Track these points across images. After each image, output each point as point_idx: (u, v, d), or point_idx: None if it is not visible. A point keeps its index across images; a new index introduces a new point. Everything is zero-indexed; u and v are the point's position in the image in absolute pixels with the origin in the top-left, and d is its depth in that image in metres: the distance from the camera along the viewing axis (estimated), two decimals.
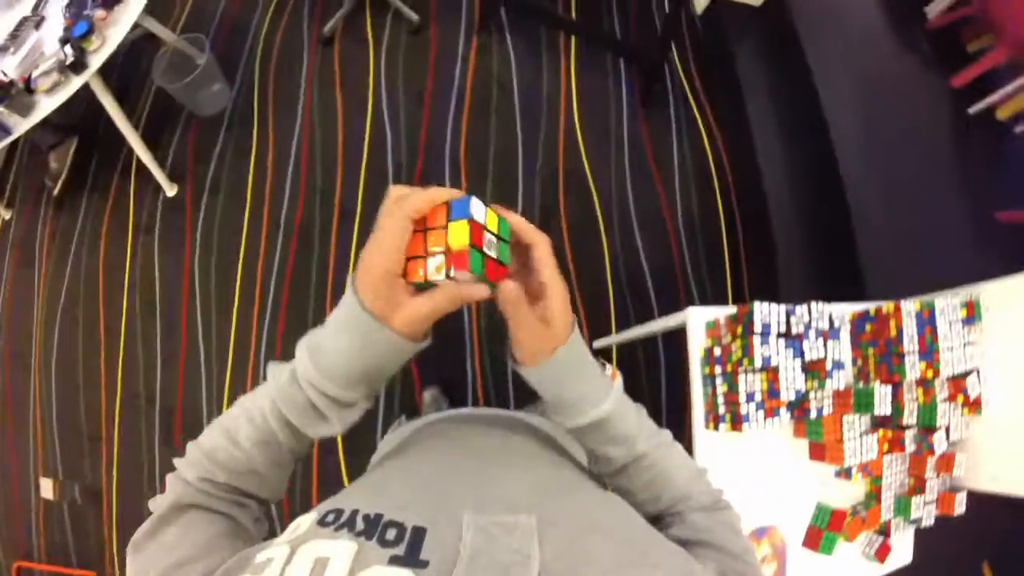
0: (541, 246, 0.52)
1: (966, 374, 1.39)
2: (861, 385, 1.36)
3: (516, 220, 0.53)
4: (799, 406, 1.32)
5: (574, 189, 2.49)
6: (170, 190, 2.64)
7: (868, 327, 1.46)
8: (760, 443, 1.33)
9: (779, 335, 1.32)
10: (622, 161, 2.56)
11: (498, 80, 2.61)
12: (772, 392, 1.28)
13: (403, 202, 0.48)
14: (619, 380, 0.61)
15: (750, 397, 1.28)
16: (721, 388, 1.33)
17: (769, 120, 2.75)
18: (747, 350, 1.28)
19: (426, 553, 0.38)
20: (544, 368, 0.54)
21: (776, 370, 1.28)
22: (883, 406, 1.32)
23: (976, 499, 1.43)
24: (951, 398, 1.37)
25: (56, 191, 2.83)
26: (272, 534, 0.48)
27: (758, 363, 1.25)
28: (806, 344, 1.31)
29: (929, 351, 1.35)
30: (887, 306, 1.43)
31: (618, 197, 2.49)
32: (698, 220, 2.53)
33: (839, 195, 2.62)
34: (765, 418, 1.28)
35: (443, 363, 2.31)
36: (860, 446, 1.32)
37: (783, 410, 1.29)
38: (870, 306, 1.49)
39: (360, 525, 0.39)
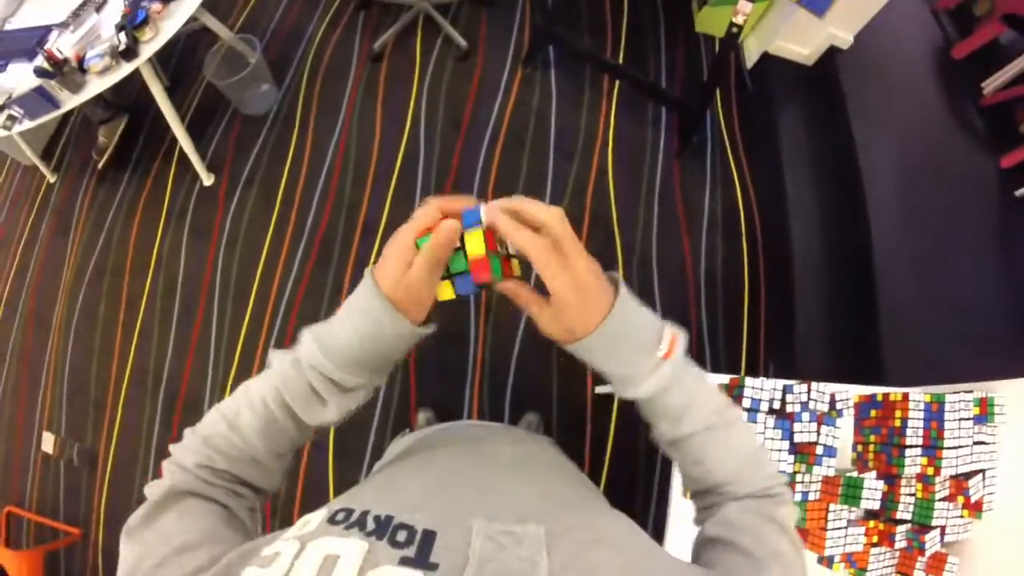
0: (555, 222, 0.51)
1: (970, 475, 1.33)
2: (856, 473, 1.31)
3: (522, 204, 0.52)
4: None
5: (598, 232, 2.48)
6: (207, 180, 2.70)
7: (873, 413, 1.40)
8: None
9: (770, 411, 1.28)
10: (651, 209, 2.54)
11: (537, 113, 2.62)
12: None
13: (438, 199, 0.53)
14: (676, 356, 0.55)
15: None
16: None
17: (805, 182, 2.71)
18: None
19: (436, 556, 0.38)
20: (581, 346, 0.54)
21: None
22: (871, 501, 1.26)
23: None
24: (951, 498, 1.31)
25: (101, 164, 2.93)
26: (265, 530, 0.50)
27: None
28: (797, 425, 1.26)
29: (933, 446, 1.29)
30: (895, 393, 1.37)
31: (641, 246, 2.47)
32: (720, 280, 2.49)
33: (868, 268, 2.56)
34: None
35: (442, 387, 2.30)
36: (845, 536, 1.26)
37: None
38: (878, 390, 1.43)
39: (371, 525, 0.39)
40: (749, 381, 1.27)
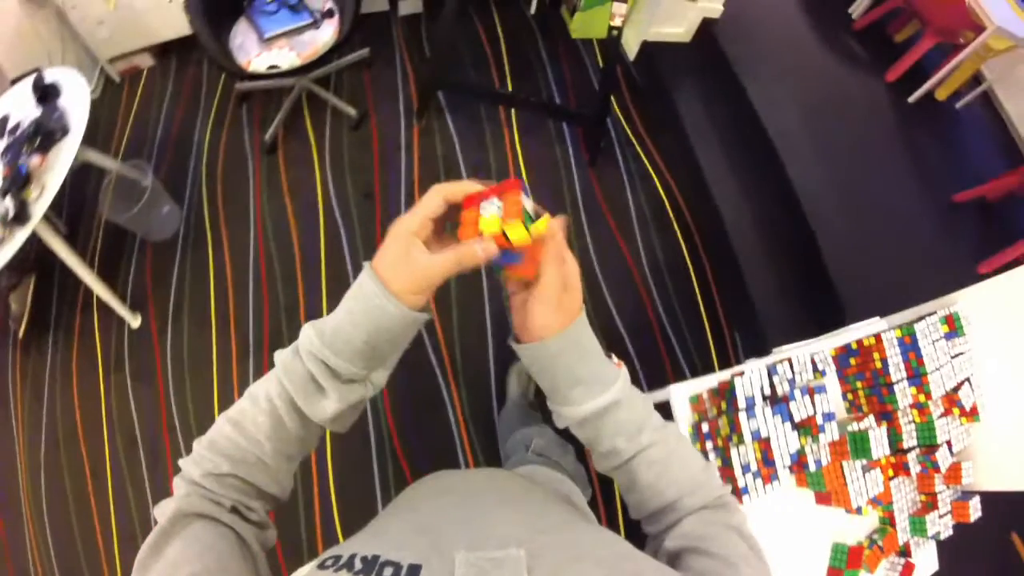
0: (554, 227, 0.54)
1: (958, 386, 1.38)
2: (855, 426, 1.32)
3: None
4: (796, 462, 1.28)
5: None
6: (134, 322, 2.54)
7: (853, 361, 1.44)
8: (764, 501, 1.29)
9: (764, 399, 1.31)
10: (579, 222, 2.52)
11: (444, 161, 2.56)
12: (767, 461, 1.26)
13: (442, 184, 0.54)
14: (624, 370, 0.59)
15: (746, 468, 1.26)
16: (715, 463, 1.29)
17: (717, 154, 2.73)
18: (734, 426, 1.26)
19: None
20: (548, 345, 0.54)
21: (768, 440, 1.25)
22: (880, 448, 1.29)
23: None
24: (947, 412, 1.36)
25: (21, 333, 2.73)
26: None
27: (748, 437, 1.24)
28: (793, 406, 1.28)
29: (917, 375, 1.34)
30: (868, 338, 1.42)
31: (582, 261, 2.44)
32: (666, 271, 2.49)
33: (799, 217, 2.58)
34: (764, 485, 1.26)
35: (434, 457, 2.23)
36: (865, 484, 1.29)
37: (781, 469, 1.26)
38: (850, 338, 1.47)
39: (359, 565, 0.40)
40: (739, 382, 1.30)
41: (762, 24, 3.09)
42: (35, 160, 2.12)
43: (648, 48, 2.86)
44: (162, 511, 0.52)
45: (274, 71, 2.30)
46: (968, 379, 1.39)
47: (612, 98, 2.76)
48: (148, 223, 2.56)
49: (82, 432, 2.56)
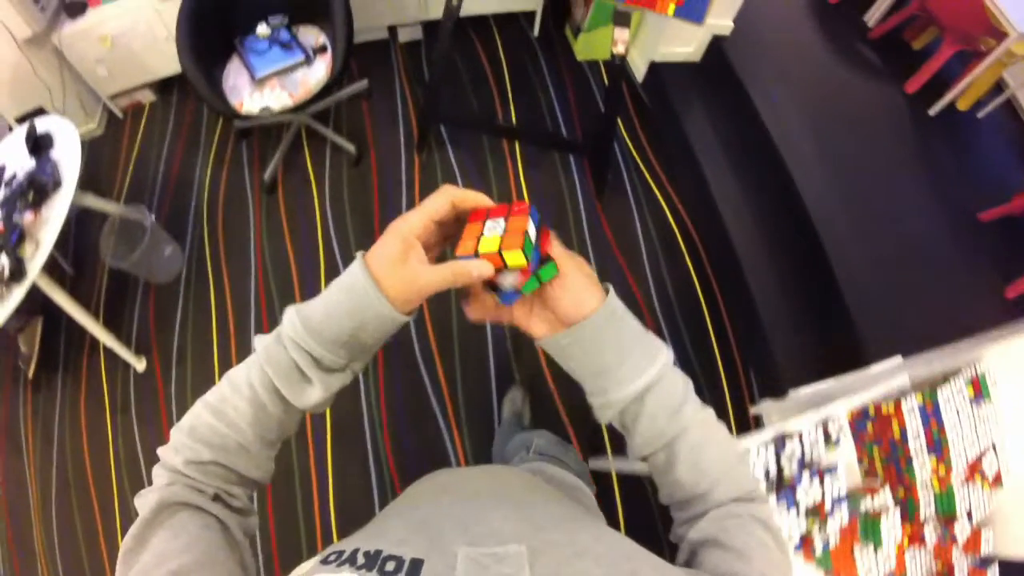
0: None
1: (982, 454, 1.26)
2: (868, 503, 1.22)
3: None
4: (801, 546, 1.18)
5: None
6: (139, 365, 2.49)
7: (869, 426, 1.32)
8: None
9: (769, 483, 1.22)
10: (586, 257, 2.39)
11: None
12: None
13: (453, 187, 0.52)
14: (669, 353, 0.56)
15: None
16: None
17: (728, 176, 2.58)
18: None
19: None
20: (591, 322, 0.52)
21: None
22: (892, 535, 1.20)
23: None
24: (969, 479, 1.25)
25: (31, 373, 2.70)
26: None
27: None
28: (800, 490, 1.20)
29: (938, 445, 1.24)
30: (886, 405, 1.31)
31: None
32: (676, 303, 2.37)
33: (813, 241, 2.43)
34: None
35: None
36: (876, 562, 1.19)
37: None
38: (868, 397, 1.35)
39: (361, 560, 0.40)
40: None
41: (774, 39, 2.93)
42: (28, 217, 2.06)
43: (656, 68, 2.72)
44: (144, 501, 0.50)
45: (266, 113, 2.21)
46: (993, 444, 1.26)
47: (619, 121, 2.64)
48: (150, 266, 2.50)
49: (91, 472, 2.52)
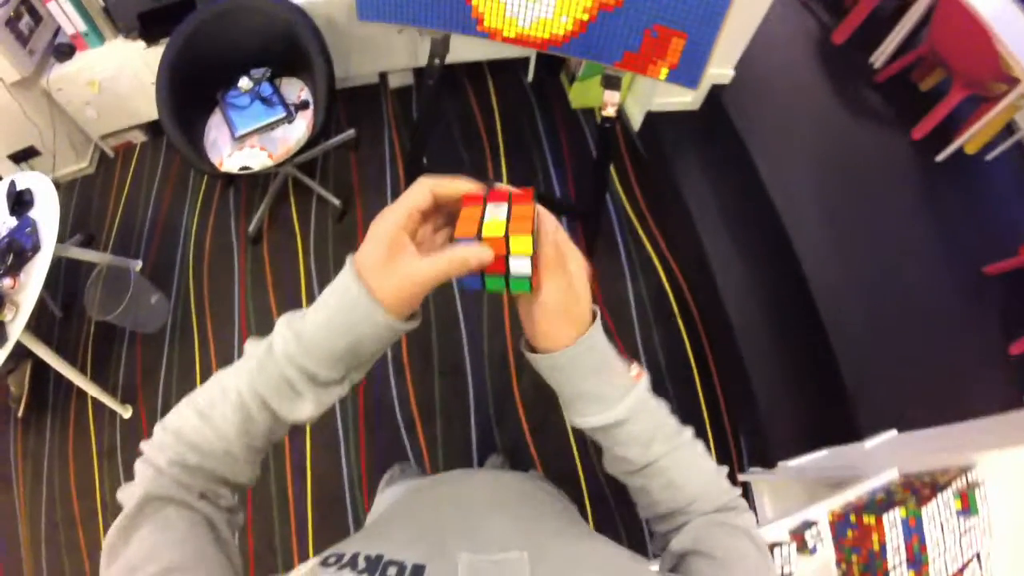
0: (558, 228, 0.49)
1: (964, 565, 1.20)
2: None
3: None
4: None
5: (527, 367, 2.22)
6: (125, 413, 2.44)
7: (850, 532, 1.30)
8: None
9: None
10: None
11: None
12: None
13: (432, 177, 0.47)
14: (644, 381, 0.54)
15: None
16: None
17: (724, 237, 2.46)
18: None
19: None
20: (553, 358, 0.50)
21: None
22: None
23: None
24: None
25: (20, 413, 2.67)
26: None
27: None
28: None
29: (918, 561, 1.19)
30: (868, 517, 1.26)
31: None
32: (666, 370, 2.27)
33: (812, 308, 2.31)
34: None
35: None
36: None
37: None
38: (850, 502, 1.35)
39: (362, 564, 0.39)
40: None
41: (776, 86, 2.77)
42: (7, 282, 2.01)
43: (652, 118, 2.59)
44: (129, 494, 0.47)
45: (246, 172, 2.12)
46: (977, 555, 1.21)
47: (614, 174, 2.52)
48: (136, 316, 2.43)
49: (79, 515, 2.48)
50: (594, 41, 1.94)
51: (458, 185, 0.48)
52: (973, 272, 2.65)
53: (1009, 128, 3.17)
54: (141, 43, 2.52)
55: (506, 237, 0.45)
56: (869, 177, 2.72)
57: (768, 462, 2.15)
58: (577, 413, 0.53)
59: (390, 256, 0.44)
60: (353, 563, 0.39)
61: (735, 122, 2.50)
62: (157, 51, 2.35)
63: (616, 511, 2.05)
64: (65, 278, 2.72)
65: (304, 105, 2.25)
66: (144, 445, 0.50)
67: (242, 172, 2.11)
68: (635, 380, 0.53)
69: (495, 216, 0.46)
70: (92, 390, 2.33)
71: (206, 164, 2.15)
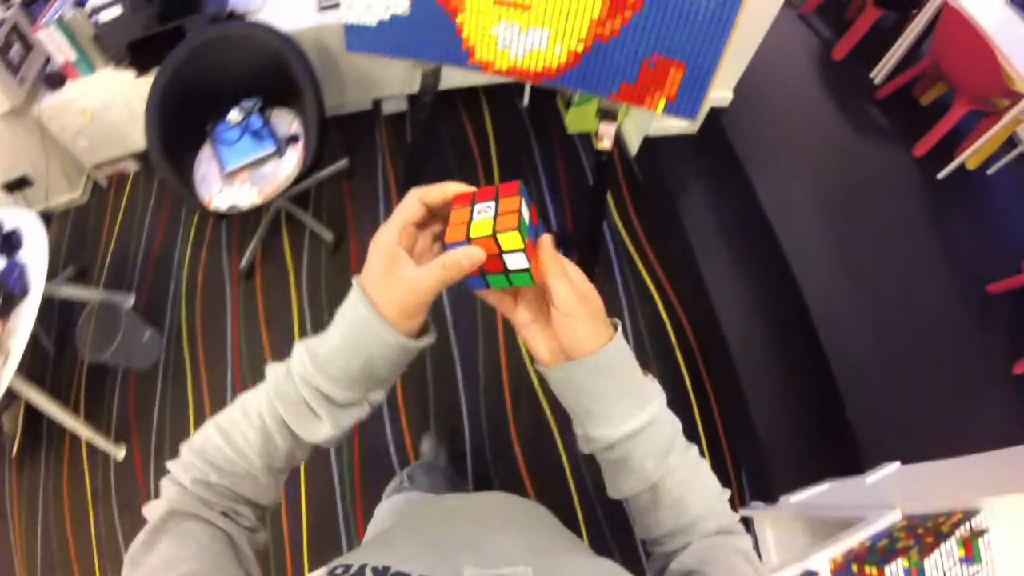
0: (543, 248, 0.47)
1: None
2: None
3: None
4: None
5: (523, 404, 2.13)
6: (119, 455, 2.36)
7: None
8: None
9: None
10: None
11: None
12: None
13: (419, 189, 0.47)
14: (661, 399, 0.53)
15: None
16: None
17: (722, 264, 2.36)
18: None
19: None
20: (591, 361, 0.48)
21: None
22: None
23: None
24: None
25: (15, 451, 2.58)
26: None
27: None
28: None
29: None
30: (870, 568, 1.22)
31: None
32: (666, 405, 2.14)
33: (813, 337, 2.22)
34: None
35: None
36: None
37: None
38: (851, 549, 1.31)
39: (369, 575, 0.38)
40: None
41: (776, 107, 2.67)
42: None
43: (650, 142, 2.48)
44: (153, 510, 0.48)
45: (234, 211, 2.02)
46: None
47: (611, 201, 2.42)
48: (129, 354, 2.35)
49: (74, 555, 2.39)
50: (590, 73, 1.84)
51: (445, 189, 0.48)
52: (977, 291, 2.56)
53: (1011, 141, 3.06)
54: (132, 72, 2.41)
55: (494, 234, 0.43)
56: (871, 199, 2.62)
57: (770, 496, 2.07)
58: (612, 421, 0.50)
59: (389, 270, 0.44)
60: (360, 574, 0.39)
61: (734, 146, 2.40)
62: (148, 80, 2.26)
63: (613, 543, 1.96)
64: (59, 312, 2.63)
65: (295, 138, 2.15)
66: (170, 464, 0.51)
67: (230, 212, 2.01)
68: (650, 398, 0.52)
69: (483, 215, 0.45)
70: (85, 432, 2.26)
71: (195, 202, 2.06)
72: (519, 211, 0.44)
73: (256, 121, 2.20)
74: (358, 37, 1.97)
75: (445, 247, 0.46)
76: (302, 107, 2.18)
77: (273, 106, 2.31)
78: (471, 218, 0.46)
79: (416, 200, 0.47)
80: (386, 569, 0.39)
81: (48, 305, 1.96)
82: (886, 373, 2.20)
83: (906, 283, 2.46)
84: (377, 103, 2.63)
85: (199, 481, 0.49)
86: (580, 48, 1.79)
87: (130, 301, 2.44)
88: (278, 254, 2.39)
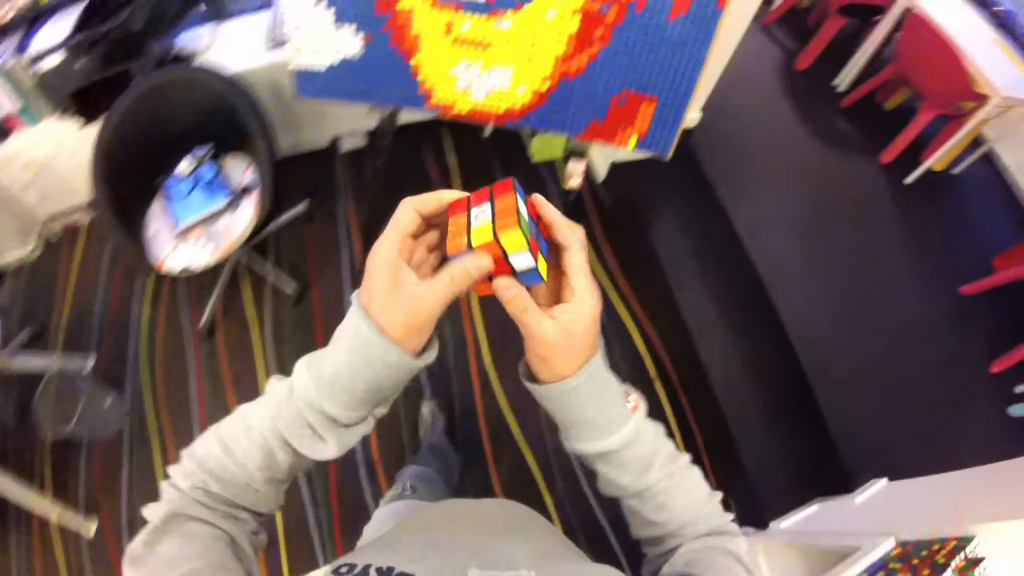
0: (575, 250, 0.44)
1: None
2: None
3: (551, 215, 0.46)
4: None
5: (503, 449, 1.97)
6: (88, 531, 2.14)
7: None
8: None
9: None
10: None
11: None
12: None
13: (413, 198, 0.45)
14: (641, 410, 0.52)
15: None
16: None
17: (698, 293, 2.27)
18: None
19: None
20: (554, 388, 0.46)
21: None
22: None
23: None
24: None
25: None
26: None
27: None
28: None
29: None
30: None
31: (553, 447, 1.97)
32: None
33: (793, 359, 2.12)
34: None
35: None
36: None
37: None
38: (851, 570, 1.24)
39: (373, 575, 0.38)
40: None
41: (744, 123, 2.54)
42: None
43: (618, 168, 2.31)
44: (153, 511, 0.47)
45: (187, 274, 1.81)
46: None
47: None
48: (91, 424, 2.16)
49: None
50: (556, 112, 1.67)
51: (440, 196, 0.46)
52: (951, 295, 2.47)
53: (976, 141, 2.95)
54: (78, 121, 2.19)
55: (496, 237, 0.41)
56: (843, 212, 2.51)
57: (760, 522, 1.97)
58: (575, 439, 0.50)
59: (393, 289, 0.41)
60: (365, 574, 0.38)
61: (704, 166, 2.27)
62: (92, 130, 2.03)
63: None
64: (17, 381, 2.38)
65: (249, 189, 1.93)
66: (171, 468, 0.49)
67: (183, 275, 1.80)
68: (632, 411, 0.51)
69: (481, 220, 0.43)
70: (54, 514, 2.05)
71: (147, 266, 1.85)
72: (516, 208, 0.42)
73: (208, 171, 1.99)
74: (309, 82, 1.77)
75: (447, 259, 0.43)
76: (255, 154, 1.96)
77: (226, 152, 2.09)
78: (469, 224, 0.43)
79: (411, 210, 0.44)
80: (390, 570, 0.38)
81: (3, 374, 1.73)
82: (867, 387, 2.13)
83: (881, 294, 2.38)
84: (335, 140, 2.42)
85: (198, 488, 0.47)
86: (545, 87, 1.63)
87: (89, 364, 2.22)
88: (239, 309, 2.19)
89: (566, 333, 0.43)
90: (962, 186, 2.92)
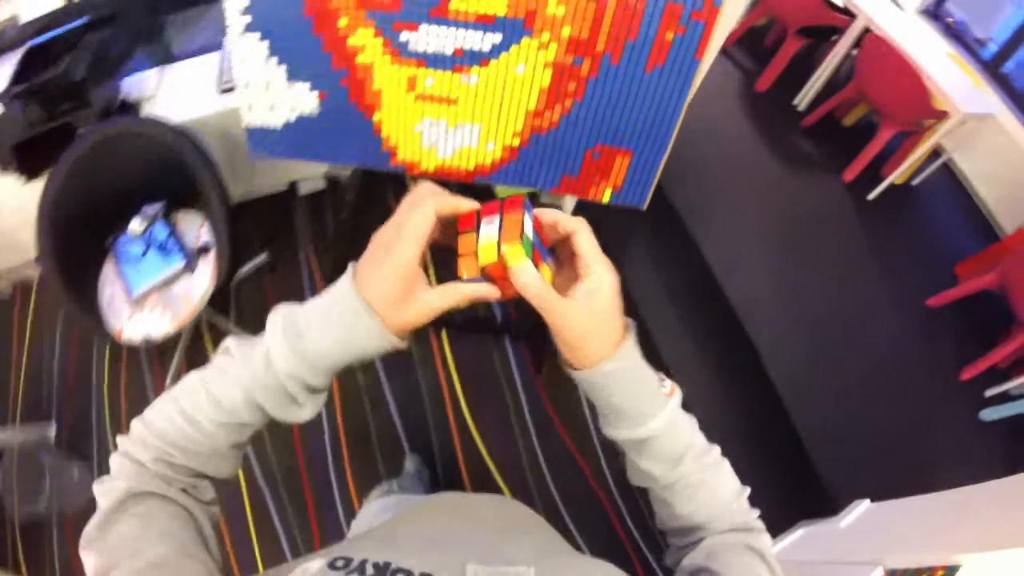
0: (582, 231, 0.45)
1: None
2: None
3: (553, 215, 0.46)
4: None
5: (479, 484, 1.87)
6: None
7: None
8: None
9: None
10: (531, 444, 2.01)
11: (369, 396, 1.97)
12: None
13: (434, 197, 0.43)
14: (676, 398, 0.50)
15: None
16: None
17: (674, 331, 2.22)
18: None
19: None
20: (592, 374, 0.45)
21: None
22: None
23: None
24: None
25: None
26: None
27: None
28: None
29: None
30: None
31: (538, 490, 1.91)
32: (628, 479, 1.90)
33: (773, 394, 2.07)
34: None
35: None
36: None
37: None
38: None
39: (370, 571, 0.36)
40: None
41: (707, 152, 2.48)
42: None
43: (584, 204, 2.19)
44: (107, 488, 0.43)
45: (148, 344, 1.64)
46: None
47: None
48: (60, 499, 2.00)
49: None
50: (528, 168, 1.52)
51: (457, 205, 0.44)
52: (918, 308, 2.45)
53: (935, 152, 2.92)
54: (20, 178, 1.98)
55: (500, 256, 0.41)
56: (810, 235, 2.48)
57: None
58: (610, 425, 0.49)
59: (407, 293, 0.41)
60: (361, 569, 0.36)
61: (673, 201, 2.16)
62: (37, 185, 1.84)
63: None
64: None
65: (206, 248, 1.76)
66: (121, 439, 0.46)
67: (144, 345, 1.63)
68: (668, 396, 0.49)
69: (488, 237, 0.42)
70: None
71: (104, 336, 1.68)
72: (522, 221, 0.42)
73: (161, 231, 1.82)
74: (262, 141, 1.59)
75: (460, 278, 0.43)
76: (209, 210, 1.79)
77: (179, 208, 1.91)
78: (477, 242, 0.43)
79: (433, 214, 0.42)
80: (387, 565, 0.37)
81: None
82: (843, 407, 2.10)
83: (852, 314, 2.36)
84: (293, 184, 2.24)
85: (160, 460, 0.45)
86: (516, 142, 1.48)
87: (51, 432, 2.03)
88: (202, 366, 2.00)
89: (588, 311, 0.43)
90: (923, 197, 2.90)
